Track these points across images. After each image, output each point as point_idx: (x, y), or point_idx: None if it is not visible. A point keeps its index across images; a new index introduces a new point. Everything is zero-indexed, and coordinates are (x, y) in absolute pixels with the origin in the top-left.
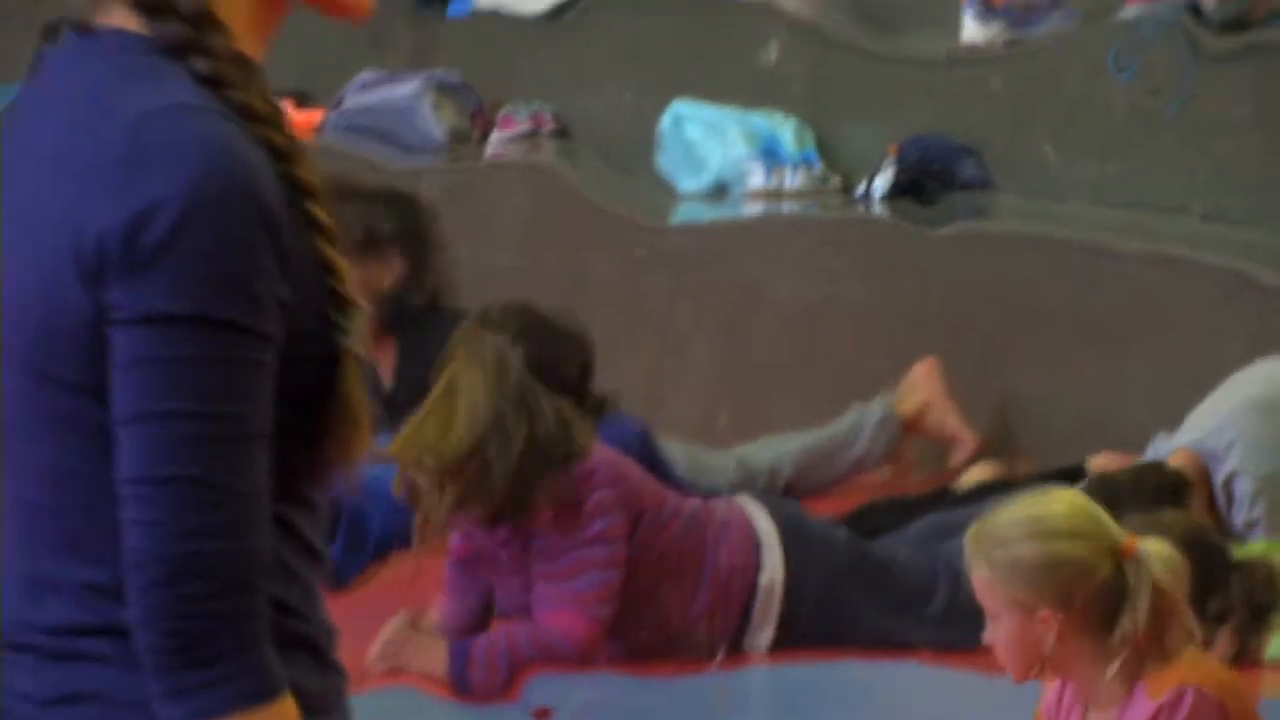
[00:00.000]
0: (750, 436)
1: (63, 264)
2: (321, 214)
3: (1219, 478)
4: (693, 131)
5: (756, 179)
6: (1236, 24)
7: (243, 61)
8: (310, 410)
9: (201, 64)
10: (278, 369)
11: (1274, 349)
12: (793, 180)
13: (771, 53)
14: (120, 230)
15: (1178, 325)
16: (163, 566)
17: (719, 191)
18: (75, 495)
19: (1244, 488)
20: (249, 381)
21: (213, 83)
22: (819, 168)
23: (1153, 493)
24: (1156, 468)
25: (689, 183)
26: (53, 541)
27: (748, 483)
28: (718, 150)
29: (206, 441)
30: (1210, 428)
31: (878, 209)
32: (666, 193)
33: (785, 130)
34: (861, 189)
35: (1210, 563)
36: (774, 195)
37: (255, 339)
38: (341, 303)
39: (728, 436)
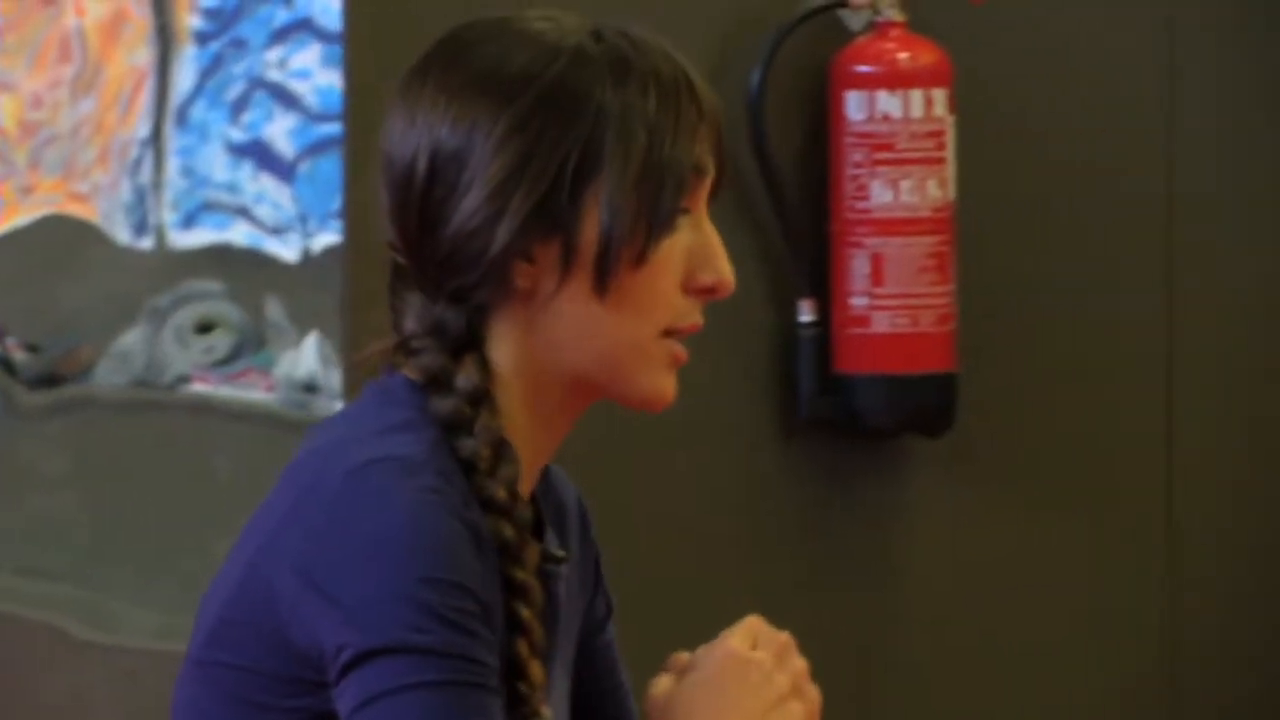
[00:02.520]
0: None
1: (280, 578)
2: (526, 614)
3: None
4: None
5: None
6: (48, 380)
7: (502, 448)
8: None
9: (462, 444)
10: None
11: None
12: None
13: None
14: (321, 566)
15: None
16: None
17: None
18: None
19: None
20: (470, 703)
21: (465, 464)
22: None
23: None
24: None
25: None
26: None
27: None
28: None
29: None
30: None
31: None
32: None
33: None
34: None
35: None
36: None
37: (469, 664)
38: (525, 710)
39: None
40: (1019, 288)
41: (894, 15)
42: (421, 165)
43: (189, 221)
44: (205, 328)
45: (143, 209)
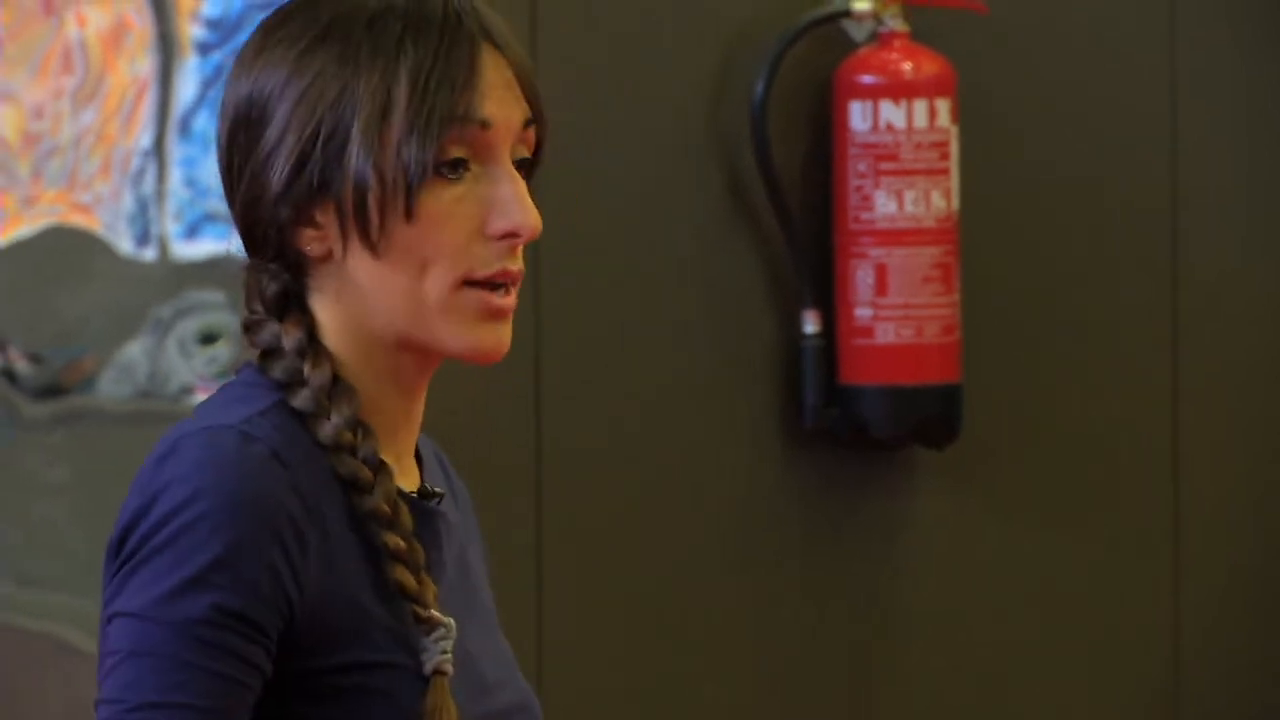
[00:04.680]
0: None
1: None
2: (394, 541)
3: None
4: None
5: None
6: (51, 390)
7: (335, 386)
8: None
9: (298, 397)
10: (319, 692)
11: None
12: None
13: None
14: (116, 541)
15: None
16: None
17: None
18: None
19: None
20: (199, 682)
21: (304, 415)
22: None
23: None
24: None
25: None
26: None
27: None
28: None
29: None
30: None
31: None
32: None
33: None
34: None
35: None
36: None
37: (200, 645)
38: (426, 625)
39: None
40: (1023, 298)
41: (897, 25)
42: (222, 138)
43: (192, 232)
44: (208, 339)
45: (145, 219)
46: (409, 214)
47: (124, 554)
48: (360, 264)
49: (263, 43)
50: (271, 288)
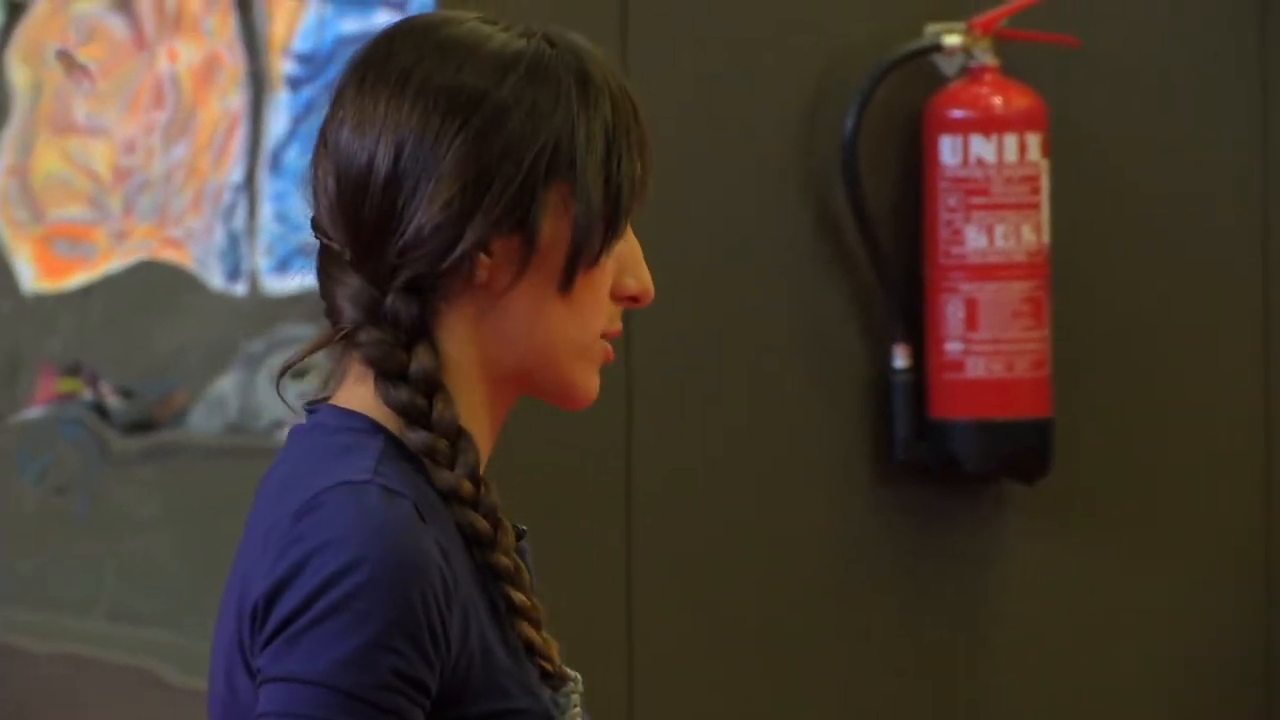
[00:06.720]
0: None
1: (233, 642)
2: (519, 597)
3: None
4: None
5: None
6: (142, 425)
7: (460, 436)
8: None
9: (415, 436)
10: None
11: None
12: None
13: None
14: (264, 600)
15: None
16: None
17: None
18: None
19: None
20: None
21: (419, 458)
22: None
23: None
24: None
25: None
26: None
27: None
28: None
29: None
30: None
31: None
32: None
33: None
34: None
35: None
36: None
37: (377, 712)
38: (553, 681)
39: None
40: (1114, 332)
41: (988, 60)
42: (383, 163)
43: (282, 266)
44: (299, 373)
45: (236, 254)
46: (594, 263)
47: (279, 617)
48: (528, 299)
49: (414, 76)
50: (411, 310)
